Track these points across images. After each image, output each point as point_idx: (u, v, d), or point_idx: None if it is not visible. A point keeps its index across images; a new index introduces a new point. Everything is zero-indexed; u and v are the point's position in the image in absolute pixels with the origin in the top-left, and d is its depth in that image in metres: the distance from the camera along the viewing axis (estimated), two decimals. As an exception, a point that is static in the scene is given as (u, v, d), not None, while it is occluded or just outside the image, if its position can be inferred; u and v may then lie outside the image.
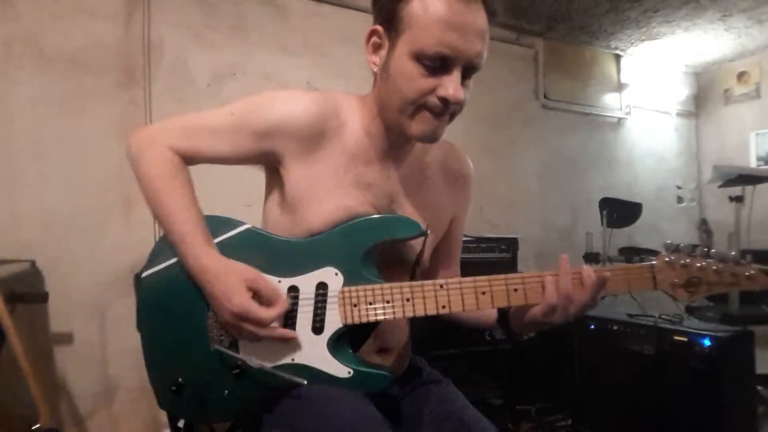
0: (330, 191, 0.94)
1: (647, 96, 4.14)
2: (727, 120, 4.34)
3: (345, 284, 0.91)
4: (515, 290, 0.90)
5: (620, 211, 3.15)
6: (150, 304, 0.99)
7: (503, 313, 1.00)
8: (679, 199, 4.38)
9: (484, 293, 0.90)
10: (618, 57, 4.06)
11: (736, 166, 3.51)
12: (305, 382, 0.87)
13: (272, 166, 0.98)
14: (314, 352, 0.90)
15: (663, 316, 2.09)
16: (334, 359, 0.90)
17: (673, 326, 2.01)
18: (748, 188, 3.16)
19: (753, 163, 4.10)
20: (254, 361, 0.89)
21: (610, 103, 4.01)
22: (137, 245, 2.27)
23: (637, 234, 3.65)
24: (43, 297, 2.00)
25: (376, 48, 0.92)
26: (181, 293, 0.94)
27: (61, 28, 2.21)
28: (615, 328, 2.16)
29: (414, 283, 0.92)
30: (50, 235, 2.14)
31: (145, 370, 1.00)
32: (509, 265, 2.57)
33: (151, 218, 2.37)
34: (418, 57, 0.84)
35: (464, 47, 0.84)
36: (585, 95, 3.88)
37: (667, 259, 0.89)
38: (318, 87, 2.75)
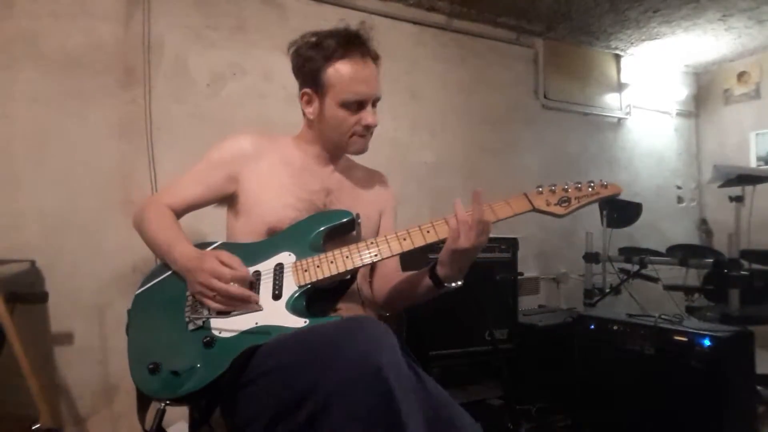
0: (275, 190, 1.27)
1: (647, 96, 4.14)
2: (727, 120, 4.34)
3: (297, 260, 1.16)
4: (428, 231, 1.16)
5: (620, 211, 3.15)
6: (137, 310, 1.20)
7: (432, 270, 1.20)
8: (679, 199, 4.38)
9: (405, 239, 1.16)
10: (618, 57, 4.06)
11: (736, 166, 3.52)
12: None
13: (229, 194, 1.30)
14: (274, 313, 1.09)
15: (663, 316, 2.09)
16: (291, 315, 1.09)
17: (673, 326, 2.01)
18: (748, 188, 3.16)
19: (753, 163, 4.10)
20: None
21: (610, 103, 4.01)
22: (137, 245, 2.24)
23: (637, 234, 3.65)
24: (43, 297, 2.00)
25: (309, 102, 1.29)
26: (164, 295, 1.18)
27: (61, 28, 2.21)
28: (615, 328, 2.16)
29: (351, 245, 1.17)
30: (50, 235, 2.14)
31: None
32: (509, 265, 2.57)
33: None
34: (343, 104, 1.24)
35: (369, 91, 1.25)
36: (585, 95, 3.88)
37: (536, 190, 1.19)
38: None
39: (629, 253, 3.09)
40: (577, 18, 3.39)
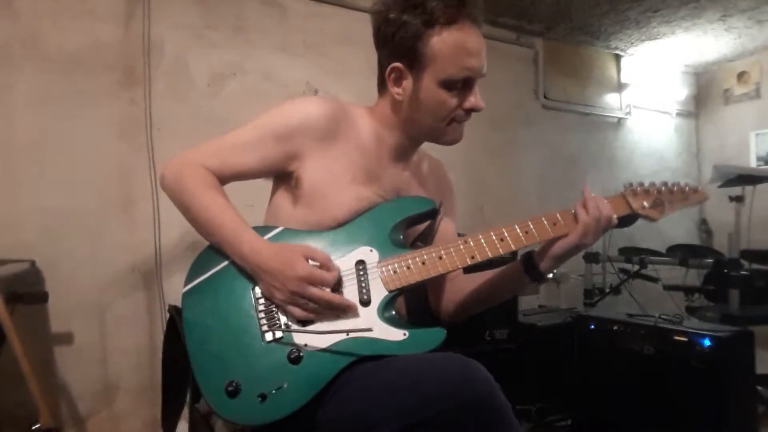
0: (347, 183, 1.06)
1: (647, 96, 4.15)
2: (727, 120, 4.34)
3: (381, 258, 1.00)
4: (527, 232, 1.03)
5: (620, 211, 3.14)
6: (195, 316, 1.00)
7: (528, 260, 1.09)
8: (679, 199, 4.37)
9: (502, 240, 1.02)
10: (618, 57, 4.06)
11: (736, 166, 3.51)
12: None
13: (286, 171, 1.08)
14: (367, 323, 0.95)
15: (663, 316, 2.09)
16: (387, 325, 0.95)
17: (673, 326, 2.01)
18: (748, 188, 3.16)
19: (753, 163, 4.10)
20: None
21: (610, 103, 4.01)
22: (137, 245, 2.27)
23: (637, 234, 3.65)
24: (43, 297, 2.00)
25: (398, 80, 1.05)
26: (225, 298, 0.99)
27: (61, 28, 2.21)
28: (615, 328, 2.16)
29: (441, 244, 1.02)
30: (50, 235, 2.14)
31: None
32: (509, 265, 2.57)
33: (152, 218, 2.37)
34: (446, 84, 1.01)
35: (480, 65, 1.02)
36: (585, 95, 3.88)
37: (631, 190, 1.11)
38: (318, 87, 2.74)
39: (629, 253, 3.09)
40: (577, 18, 3.39)
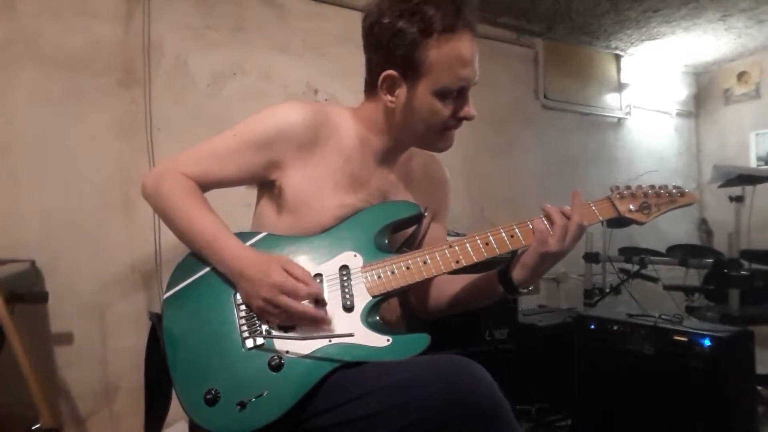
0: (330, 190, 1.05)
1: (647, 96, 4.15)
2: (727, 120, 4.35)
3: (365, 263, 0.99)
4: (512, 236, 1.03)
5: (620, 211, 3.14)
6: (175, 322, 0.99)
7: (504, 273, 1.07)
8: (679, 199, 4.37)
9: (487, 244, 1.02)
10: (618, 57, 4.06)
11: (736, 166, 3.52)
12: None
13: (267, 180, 1.07)
14: (350, 329, 0.94)
15: (663, 316, 2.08)
16: (370, 331, 0.94)
17: (673, 326, 2.00)
18: (748, 188, 3.17)
19: (753, 163, 4.11)
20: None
21: (610, 103, 4.01)
22: (137, 245, 2.27)
23: (636, 234, 3.64)
24: (43, 297, 2.00)
25: (392, 87, 1.02)
26: (206, 304, 0.99)
27: (61, 28, 2.21)
28: (615, 328, 2.16)
29: (426, 249, 1.02)
30: (50, 235, 2.14)
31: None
32: (509, 265, 2.57)
33: (152, 218, 2.36)
34: (441, 94, 1.00)
35: (474, 75, 1.03)
36: (585, 95, 3.88)
37: (618, 193, 1.10)
38: (318, 87, 2.74)
39: (629, 253, 3.09)
40: (577, 18, 3.39)
